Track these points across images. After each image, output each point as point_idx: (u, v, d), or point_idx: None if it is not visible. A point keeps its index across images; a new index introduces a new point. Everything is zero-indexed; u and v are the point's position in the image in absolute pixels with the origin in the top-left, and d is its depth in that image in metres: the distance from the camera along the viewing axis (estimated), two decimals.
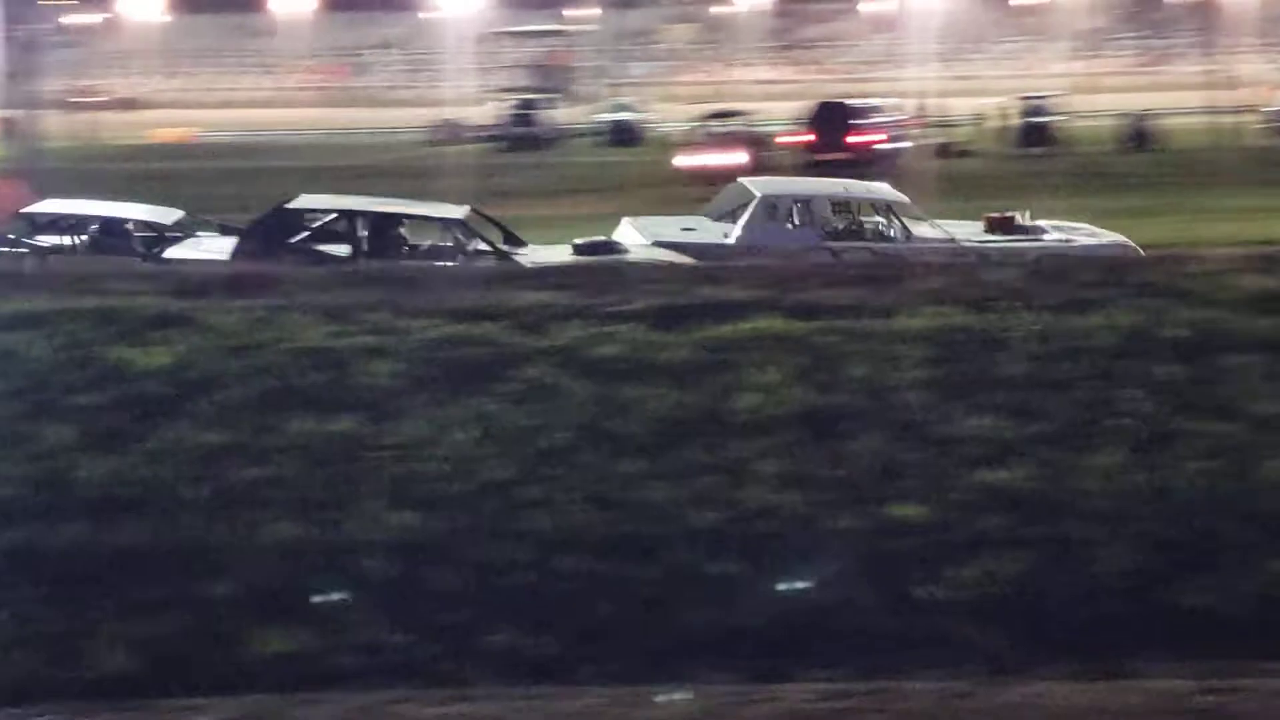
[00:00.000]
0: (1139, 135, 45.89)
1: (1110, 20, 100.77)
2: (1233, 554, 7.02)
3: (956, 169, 36.49)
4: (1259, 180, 32.24)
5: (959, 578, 7.16)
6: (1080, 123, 49.36)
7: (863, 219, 19.97)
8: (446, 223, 18.23)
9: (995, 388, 9.18)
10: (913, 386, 9.22)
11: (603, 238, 18.61)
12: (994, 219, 19.94)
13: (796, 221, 19.78)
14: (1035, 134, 46.30)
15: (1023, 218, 20.03)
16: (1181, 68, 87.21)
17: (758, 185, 20.67)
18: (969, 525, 7.57)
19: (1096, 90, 66.85)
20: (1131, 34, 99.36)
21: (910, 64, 56.76)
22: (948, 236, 19.05)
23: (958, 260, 16.49)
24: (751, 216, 19.21)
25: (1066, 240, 19.38)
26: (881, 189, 20.88)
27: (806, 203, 20.16)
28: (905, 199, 20.04)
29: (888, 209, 19.79)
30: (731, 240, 18.83)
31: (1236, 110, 50.28)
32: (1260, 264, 12.15)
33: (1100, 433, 8.35)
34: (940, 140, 44.51)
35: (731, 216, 19.87)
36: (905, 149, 40.57)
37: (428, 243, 18.03)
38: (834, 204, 20.30)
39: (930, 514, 7.66)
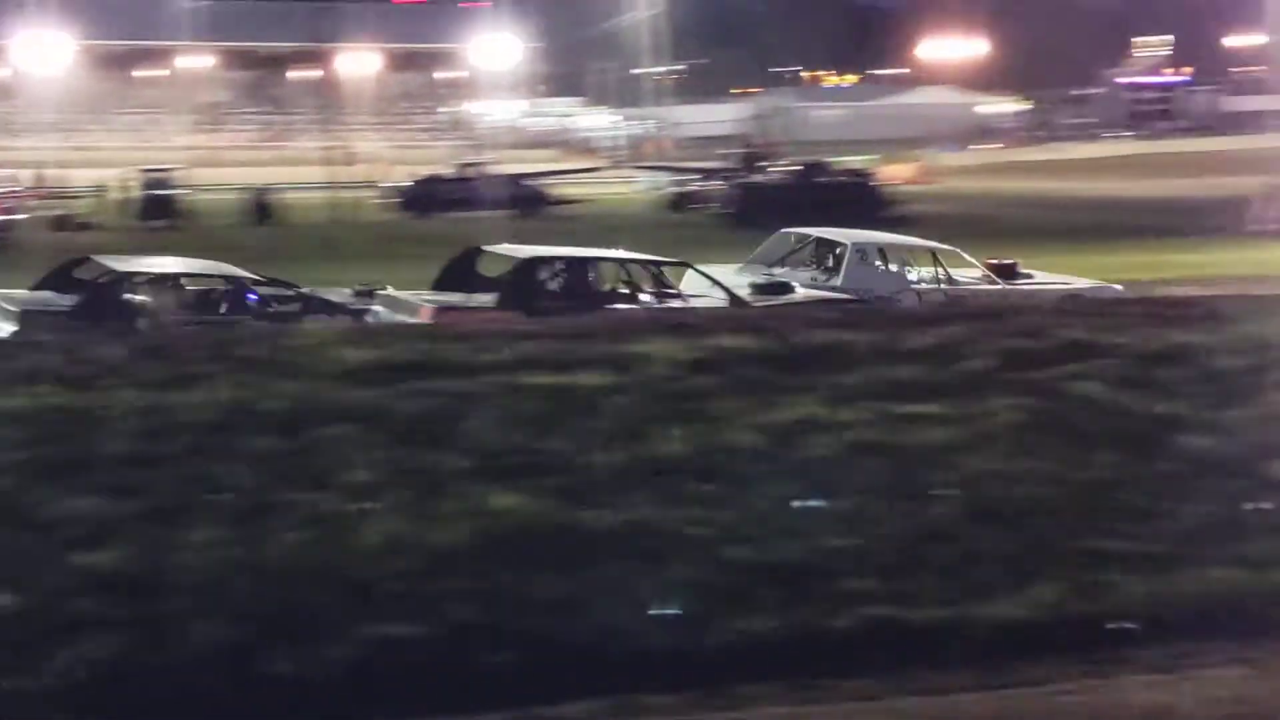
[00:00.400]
0: (262, 209, 46.72)
1: (233, 95, 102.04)
2: (326, 622, 7.20)
3: (75, 241, 35.65)
4: (378, 254, 33.73)
5: (50, 665, 6.94)
6: (204, 196, 49.65)
7: (917, 265, 22.13)
8: (667, 268, 20.09)
9: (95, 468, 9.01)
10: (6, 471, 8.90)
11: (780, 279, 20.67)
12: (995, 265, 22.19)
13: (884, 267, 21.86)
14: (157, 207, 46.05)
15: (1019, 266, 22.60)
16: (303, 143, 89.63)
17: (836, 234, 22.47)
18: (64, 610, 7.36)
19: (219, 164, 67.50)
20: (253, 109, 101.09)
21: (26, 134, 55.01)
22: (987, 276, 21.55)
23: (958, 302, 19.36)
24: (850, 263, 21.27)
25: (1066, 283, 22.13)
26: (905, 237, 23.92)
27: (884, 250, 22.33)
28: (950, 247, 22.24)
29: (934, 256, 21.97)
30: (839, 283, 20.97)
31: (356, 186, 52.22)
32: (355, 337, 12.70)
33: (199, 508, 8.38)
34: (59, 212, 43.47)
35: (783, 262, 22.20)
36: (20, 220, 39.40)
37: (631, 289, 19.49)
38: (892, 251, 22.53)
39: (23, 602, 7.40)
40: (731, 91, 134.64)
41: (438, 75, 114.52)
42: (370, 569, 7.71)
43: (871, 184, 50.82)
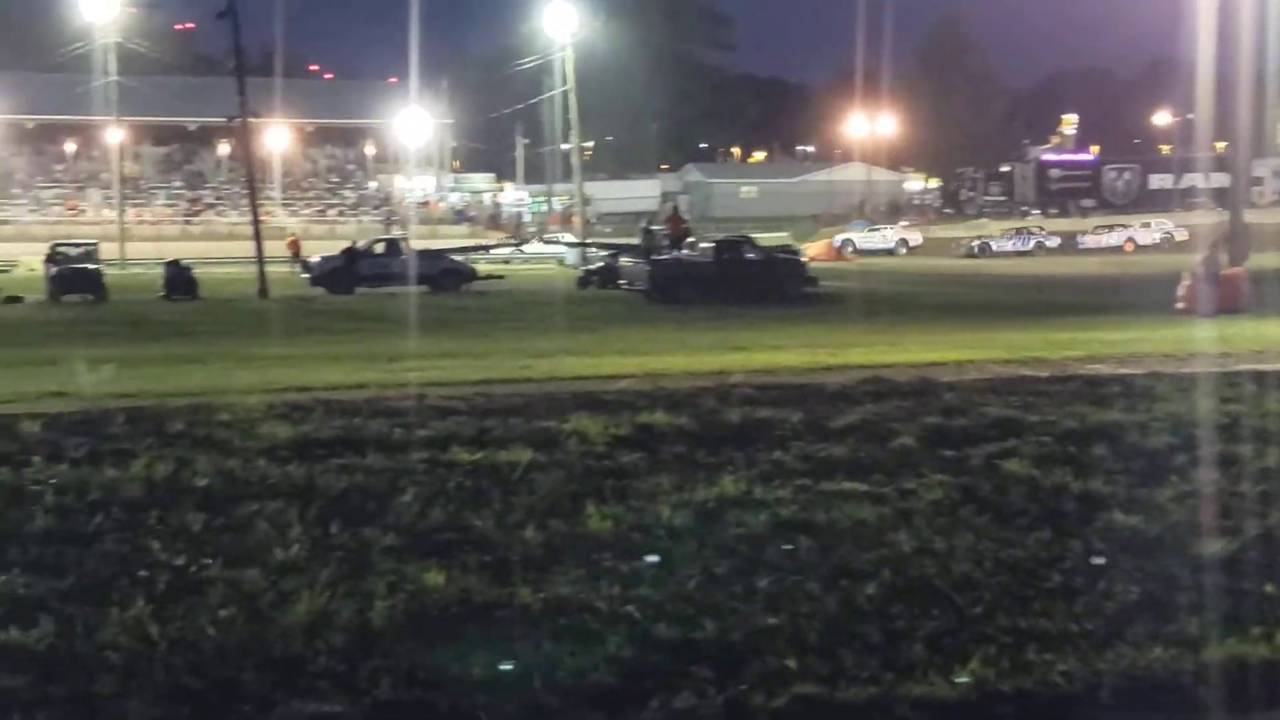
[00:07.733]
0: (180, 283, 46.32)
1: (154, 169, 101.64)
2: (251, 700, 7.10)
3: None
4: (290, 330, 33.69)
5: None
6: (126, 270, 49.51)
7: None
8: None
9: (14, 544, 8.93)
10: None
11: None
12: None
13: None
14: (74, 280, 45.53)
15: None
16: (224, 219, 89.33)
17: None
18: None
19: (140, 239, 67.21)
20: (175, 185, 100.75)
21: None
22: None
23: None
24: None
25: None
26: None
27: None
28: None
29: None
30: None
31: (270, 261, 52.01)
32: (284, 411, 12.65)
33: (125, 585, 8.27)
34: None
35: None
36: None
37: None
38: None
39: None
40: (653, 168, 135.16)
41: (356, 151, 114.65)
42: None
43: (791, 260, 50.69)
